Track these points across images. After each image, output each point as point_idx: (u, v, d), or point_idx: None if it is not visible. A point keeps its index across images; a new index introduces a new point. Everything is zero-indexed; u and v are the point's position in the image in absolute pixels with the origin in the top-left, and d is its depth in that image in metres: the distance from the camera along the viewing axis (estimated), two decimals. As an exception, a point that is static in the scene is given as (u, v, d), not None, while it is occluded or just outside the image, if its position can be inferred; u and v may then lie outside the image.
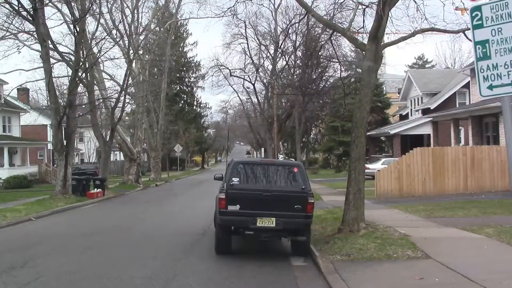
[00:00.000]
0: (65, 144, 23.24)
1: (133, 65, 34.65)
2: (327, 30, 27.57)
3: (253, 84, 48.29)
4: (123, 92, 30.03)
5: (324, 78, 42.93)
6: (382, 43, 11.88)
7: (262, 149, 64.29)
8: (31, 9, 21.10)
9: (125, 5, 33.26)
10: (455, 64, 63.79)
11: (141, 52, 37.01)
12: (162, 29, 41.90)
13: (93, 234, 12.94)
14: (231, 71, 46.60)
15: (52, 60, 23.97)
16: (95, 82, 28.69)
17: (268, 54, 48.45)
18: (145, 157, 53.92)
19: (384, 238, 9.96)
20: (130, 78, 31.61)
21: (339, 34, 19.46)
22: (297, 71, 42.82)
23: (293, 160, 39.75)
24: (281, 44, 44.07)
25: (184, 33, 67.32)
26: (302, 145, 50.64)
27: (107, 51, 32.91)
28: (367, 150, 17.63)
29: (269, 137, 46.74)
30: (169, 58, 45.22)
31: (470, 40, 6.57)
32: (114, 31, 31.04)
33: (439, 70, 55.83)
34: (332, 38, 20.55)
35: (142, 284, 7.71)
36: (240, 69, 48.04)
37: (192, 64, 70.06)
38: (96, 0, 25.34)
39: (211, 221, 12.37)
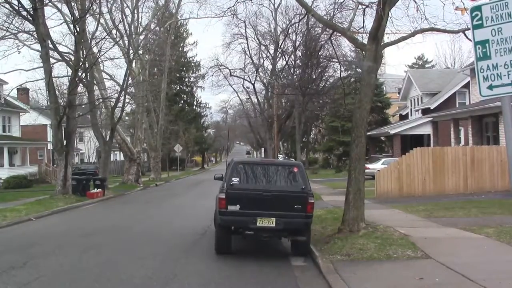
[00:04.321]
0: (65, 144, 23.23)
1: (133, 65, 34.65)
2: (327, 30, 27.57)
3: (253, 84, 48.38)
4: (123, 92, 30.03)
5: (324, 78, 42.94)
6: (382, 43, 11.88)
7: (262, 149, 64.31)
8: (31, 9, 21.08)
9: (125, 5, 33.33)
10: (455, 64, 63.90)
11: (141, 52, 37.01)
12: (162, 29, 41.89)
13: (93, 234, 12.94)
14: (231, 71, 46.65)
15: (52, 60, 23.95)
16: (95, 82, 28.68)
17: (268, 54, 48.52)
18: (145, 157, 53.92)
19: (384, 238, 9.96)
20: (130, 78, 31.61)
21: (339, 34, 19.45)
22: (297, 71, 42.81)
23: (293, 160, 39.75)
24: (281, 44, 44.11)
25: (184, 33, 67.29)
26: (302, 145, 50.62)
27: (107, 51, 32.99)
28: (367, 150, 17.58)
29: (269, 137, 46.74)
30: (169, 58, 45.22)
31: (470, 40, 6.56)
32: (114, 31, 31.07)
33: (439, 70, 55.81)
34: (332, 38, 20.56)
35: (142, 284, 7.72)
36: (240, 69, 48.13)
37: (192, 64, 70.02)
38: (96, 0, 25.34)
39: (211, 221, 12.37)
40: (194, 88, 72.53)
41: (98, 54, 26.38)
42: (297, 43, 41.83)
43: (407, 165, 19.96)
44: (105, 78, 32.92)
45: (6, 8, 22.13)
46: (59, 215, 18.03)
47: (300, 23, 34.07)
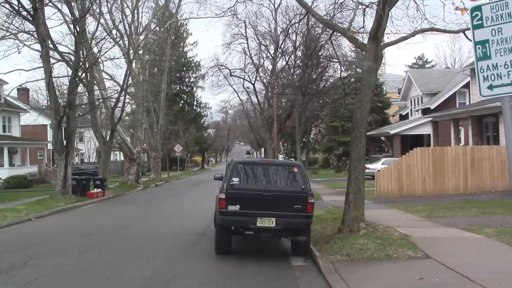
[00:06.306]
0: (65, 144, 23.24)
1: (133, 65, 34.66)
2: (327, 30, 27.59)
3: (253, 84, 48.38)
4: (123, 92, 30.04)
5: (324, 78, 42.91)
6: (382, 43, 11.88)
7: (262, 149, 64.30)
8: (31, 9, 21.10)
9: (125, 5, 33.37)
10: (455, 64, 63.88)
11: (141, 52, 37.02)
12: (162, 29, 41.90)
13: (93, 234, 12.94)
14: (231, 71, 46.67)
15: (52, 60, 23.98)
16: (95, 82, 28.69)
17: (268, 54, 48.51)
18: (145, 157, 53.90)
19: (384, 238, 9.96)
20: (130, 78, 31.62)
21: (339, 34, 19.50)
22: (297, 71, 42.79)
23: (293, 160, 39.75)
24: (281, 44, 44.09)
25: (184, 33, 67.28)
26: (302, 145, 50.59)
27: (107, 51, 33.08)
28: (367, 150, 17.60)
29: (269, 137, 46.73)
30: (169, 58, 45.22)
31: (470, 40, 6.56)
32: (114, 31, 31.10)
33: (439, 70, 55.78)
34: (332, 38, 20.58)
35: (142, 284, 7.71)
36: (240, 69, 48.14)
37: (192, 64, 70.03)
38: (96, 0, 25.35)
39: (211, 221, 12.37)
40: (194, 88, 72.61)
41: (98, 54, 26.41)
42: (297, 43, 41.84)
43: (407, 165, 19.95)
44: (105, 78, 32.97)
45: (6, 8, 22.19)
46: (59, 215, 18.03)
47: (300, 23, 34.13)
